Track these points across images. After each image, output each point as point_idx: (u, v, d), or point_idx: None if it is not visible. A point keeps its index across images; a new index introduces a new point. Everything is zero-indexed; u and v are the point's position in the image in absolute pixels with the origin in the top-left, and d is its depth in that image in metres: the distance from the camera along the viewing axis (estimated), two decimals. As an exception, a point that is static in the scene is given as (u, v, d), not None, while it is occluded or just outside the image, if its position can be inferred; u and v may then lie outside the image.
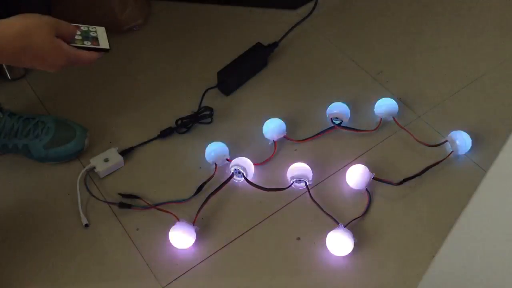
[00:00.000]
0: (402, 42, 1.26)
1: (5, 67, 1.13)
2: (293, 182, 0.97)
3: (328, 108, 1.08)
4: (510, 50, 1.24)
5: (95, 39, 0.83)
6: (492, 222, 0.56)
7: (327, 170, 1.01)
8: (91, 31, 0.84)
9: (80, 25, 0.83)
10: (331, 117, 1.08)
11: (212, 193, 0.94)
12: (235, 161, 0.99)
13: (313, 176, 0.98)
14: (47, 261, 0.89)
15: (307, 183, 0.97)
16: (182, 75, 1.18)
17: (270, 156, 1.03)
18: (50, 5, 1.18)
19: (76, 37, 0.81)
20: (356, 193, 0.98)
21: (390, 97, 1.11)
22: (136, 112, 1.11)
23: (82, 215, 0.93)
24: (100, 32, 0.85)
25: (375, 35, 1.28)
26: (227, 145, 1.02)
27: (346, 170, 0.99)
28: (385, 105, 1.08)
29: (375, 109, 1.10)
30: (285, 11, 1.32)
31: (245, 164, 0.98)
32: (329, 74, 1.19)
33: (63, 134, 1.00)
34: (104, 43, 0.84)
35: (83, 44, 0.81)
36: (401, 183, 0.98)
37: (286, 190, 0.97)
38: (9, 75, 1.14)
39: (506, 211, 0.54)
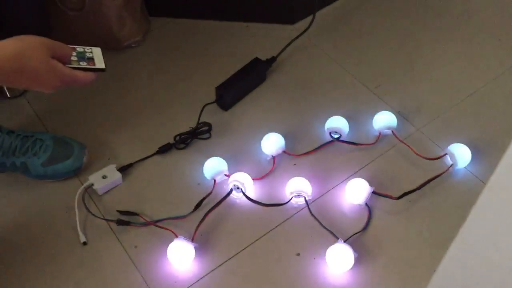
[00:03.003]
0: (400, 55, 1.27)
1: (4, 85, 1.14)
2: (292, 197, 0.97)
3: (327, 122, 1.08)
4: (508, 62, 1.25)
5: (91, 60, 0.84)
6: (493, 234, 0.56)
7: (326, 184, 1.01)
8: (86, 52, 0.84)
9: (76, 46, 0.83)
10: (329, 131, 1.08)
11: (211, 209, 0.94)
12: (234, 176, 0.98)
13: (312, 191, 0.98)
14: (45, 279, 0.89)
15: (306, 198, 0.97)
16: (180, 91, 1.18)
17: (269, 171, 1.02)
18: (50, 25, 1.19)
19: (72, 58, 0.82)
20: (356, 207, 0.98)
21: (388, 110, 1.10)
22: (135, 129, 1.10)
23: (80, 232, 0.93)
24: (96, 52, 0.85)
25: (373, 49, 1.28)
26: (226, 160, 1.02)
27: (345, 184, 0.99)
28: (383, 119, 1.08)
29: (373, 123, 1.10)
30: (283, 26, 1.32)
31: (244, 179, 0.98)
32: (327, 88, 1.19)
33: (61, 151, 1.00)
34: (100, 63, 0.84)
35: (79, 65, 0.82)
36: (400, 197, 0.97)
37: (285, 205, 0.97)
38: (8, 93, 1.14)
39: (506, 223, 0.54)
